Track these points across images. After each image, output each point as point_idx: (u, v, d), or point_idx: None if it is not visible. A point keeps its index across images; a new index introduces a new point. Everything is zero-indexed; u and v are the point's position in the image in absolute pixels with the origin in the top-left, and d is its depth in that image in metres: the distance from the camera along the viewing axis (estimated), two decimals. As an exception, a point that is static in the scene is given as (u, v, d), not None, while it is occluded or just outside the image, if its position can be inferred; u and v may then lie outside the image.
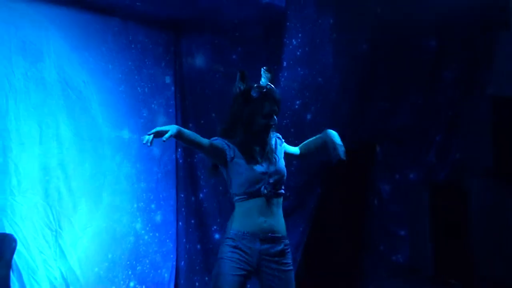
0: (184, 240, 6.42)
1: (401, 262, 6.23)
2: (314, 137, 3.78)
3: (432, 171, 6.24)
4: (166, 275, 6.30)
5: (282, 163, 3.60)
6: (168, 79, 6.49)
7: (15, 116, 5.42)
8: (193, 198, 6.45)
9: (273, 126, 3.51)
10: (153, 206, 6.31)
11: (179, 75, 6.55)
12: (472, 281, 5.47)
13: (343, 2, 6.02)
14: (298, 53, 6.06)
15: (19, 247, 5.15)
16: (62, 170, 5.68)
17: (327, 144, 3.65)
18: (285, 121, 6.15)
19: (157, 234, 6.30)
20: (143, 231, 6.21)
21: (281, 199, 3.56)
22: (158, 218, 6.34)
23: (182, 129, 3.31)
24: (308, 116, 6.18)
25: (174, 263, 6.38)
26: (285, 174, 3.59)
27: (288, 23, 6.02)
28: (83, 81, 5.86)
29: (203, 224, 6.43)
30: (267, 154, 3.53)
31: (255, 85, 3.51)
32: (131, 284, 6.07)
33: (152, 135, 3.19)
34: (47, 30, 5.65)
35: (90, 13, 5.90)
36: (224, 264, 3.43)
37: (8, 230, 5.23)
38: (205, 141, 3.40)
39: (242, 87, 3.53)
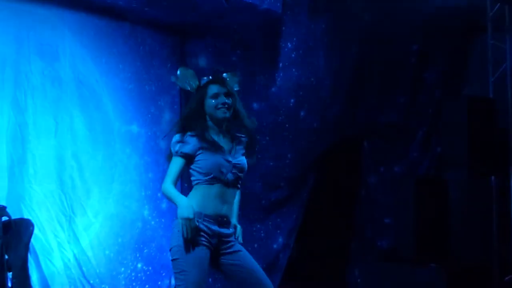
0: (188, 225, 6.42)
1: (386, 247, 6.25)
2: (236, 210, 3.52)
3: (415, 164, 6.28)
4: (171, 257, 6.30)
5: (244, 160, 3.42)
6: (173, 79, 6.45)
7: (33, 111, 5.39)
8: (195, 188, 6.45)
9: (225, 105, 3.34)
10: (159, 194, 6.22)
11: (184, 75, 6.54)
12: (449, 264, 5.49)
13: (334, 9, 6.04)
14: (293, 55, 6.07)
15: (36, 231, 5.06)
16: (76, 160, 5.64)
17: None
18: (280, 117, 6.17)
19: (163, 220, 6.26)
20: (150, 217, 6.17)
21: (238, 192, 3.42)
22: (164, 205, 6.28)
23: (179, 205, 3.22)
24: (302, 113, 6.20)
25: (178, 247, 6.37)
26: (246, 170, 3.42)
27: (283, 28, 6.03)
28: (95, 79, 5.83)
29: (204, 211, 6.43)
30: (232, 145, 3.39)
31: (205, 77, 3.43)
32: (139, 265, 6.04)
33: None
34: (63, 33, 5.62)
35: (103, 18, 5.85)
36: (195, 254, 3.22)
37: (26, 215, 5.20)
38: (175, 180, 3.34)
39: (194, 84, 3.43)
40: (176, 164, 3.34)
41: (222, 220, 3.32)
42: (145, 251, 6.12)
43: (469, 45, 6.15)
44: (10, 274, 4.82)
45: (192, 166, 3.37)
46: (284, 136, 6.23)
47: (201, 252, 3.24)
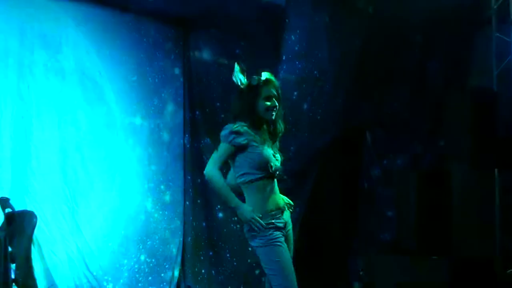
0: (191, 218, 6.39)
1: (388, 240, 6.24)
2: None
3: (418, 157, 6.25)
4: (174, 249, 6.25)
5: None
6: (177, 71, 6.43)
7: (36, 103, 5.40)
8: (199, 180, 6.41)
9: (275, 108, 3.47)
10: (162, 187, 6.26)
11: (187, 67, 6.50)
12: (452, 257, 5.47)
13: (338, 1, 6.01)
14: (296, 48, 6.03)
15: (39, 222, 5.10)
16: (79, 152, 5.65)
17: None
18: (283, 110, 6.12)
19: (166, 213, 6.25)
20: (153, 210, 6.16)
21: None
22: (167, 198, 6.28)
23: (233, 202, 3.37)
24: (305, 106, 6.17)
25: (182, 239, 6.32)
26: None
27: (287, 20, 5.99)
28: (98, 71, 5.82)
29: (208, 203, 6.40)
30: (274, 138, 3.51)
31: (254, 75, 3.50)
32: (142, 257, 6.04)
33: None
34: (67, 24, 5.61)
35: (106, 9, 5.84)
36: (281, 250, 3.35)
37: (29, 208, 5.21)
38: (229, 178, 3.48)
39: (243, 80, 3.51)
40: (226, 151, 3.42)
41: (284, 210, 3.46)
42: (148, 243, 6.12)
43: (473, 38, 6.12)
44: (13, 266, 4.83)
45: (241, 161, 3.42)
46: (287, 128, 6.19)
47: (284, 249, 3.37)
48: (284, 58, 6.03)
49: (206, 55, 6.48)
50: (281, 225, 3.39)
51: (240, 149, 3.40)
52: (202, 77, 6.48)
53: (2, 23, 5.26)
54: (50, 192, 5.46)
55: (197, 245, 6.38)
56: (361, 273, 6.14)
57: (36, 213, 5.11)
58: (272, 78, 3.51)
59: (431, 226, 5.68)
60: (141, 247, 6.06)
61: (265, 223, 3.35)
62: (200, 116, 6.42)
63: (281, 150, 3.66)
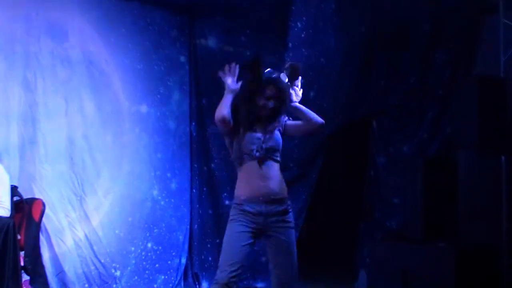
0: (197, 205, 6.45)
1: (394, 227, 6.27)
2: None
3: (424, 144, 6.27)
4: (180, 237, 6.32)
5: (278, 135, 3.61)
6: (182, 59, 6.44)
7: (43, 91, 5.46)
8: (205, 168, 6.47)
9: (270, 109, 3.55)
10: (168, 174, 6.31)
11: (193, 55, 6.53)
12: (458, 244, 5.51)
13: (344, -13, 6.02)
14: (303, 35, 6.04)
15: (47, 210, 5.18)
16: (86, 141, 5.70)
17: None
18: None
19: (172, 200, 6.30)
20: (159, 197, 6.21)
21: (277, 165, 3.57)
22: (173, 185, 6.33)
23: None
24: (312, 94, 6.19)
25: (188, 226, 6.39)
26: (280, 145, 3.60)
27: (293, 7, 6.00)
28: (105, 59, 5.85)
29: (214, 191, 6.45)
30: (266, 127, 3.57)
31: (267, 70, 3.57)
32: (149, 245, 6.11)
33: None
34: (73, 13, 5.65)
35: (112, -2, 5.93)
36: (233, 224, 3.51)
37: (37, 195, 5.29)
38: None
39: (254, 70, 3.59)
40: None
41: (269, 199, 3.51)
42: (155, 230, 6.18)
43: (480, 25, 6.13)
44: (22, 253, 4.90)
45: (229, 141, 3.58)
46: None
47: (238, 229, 3.49)
48: (290, 45, 6.05)
49: (211, 43, 6.50)
50: (251, 210, 3.48)
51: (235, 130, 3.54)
52: (208, 65, 6.49)
53: (8, 11, 5.31)
54: (57, 180, 5.52)
55: (203, 232, 6.44)
56: (367, 260, 6.20)
57: (44, 200, 5.18)
58: (281, 79, 3.60)
59: (438, 214, 5.71)
60: (148, 234, 6.12)
61: (235, 203, 3.53)
62: (206, 104, 6.46)
63: (288, 139, 3.73)
